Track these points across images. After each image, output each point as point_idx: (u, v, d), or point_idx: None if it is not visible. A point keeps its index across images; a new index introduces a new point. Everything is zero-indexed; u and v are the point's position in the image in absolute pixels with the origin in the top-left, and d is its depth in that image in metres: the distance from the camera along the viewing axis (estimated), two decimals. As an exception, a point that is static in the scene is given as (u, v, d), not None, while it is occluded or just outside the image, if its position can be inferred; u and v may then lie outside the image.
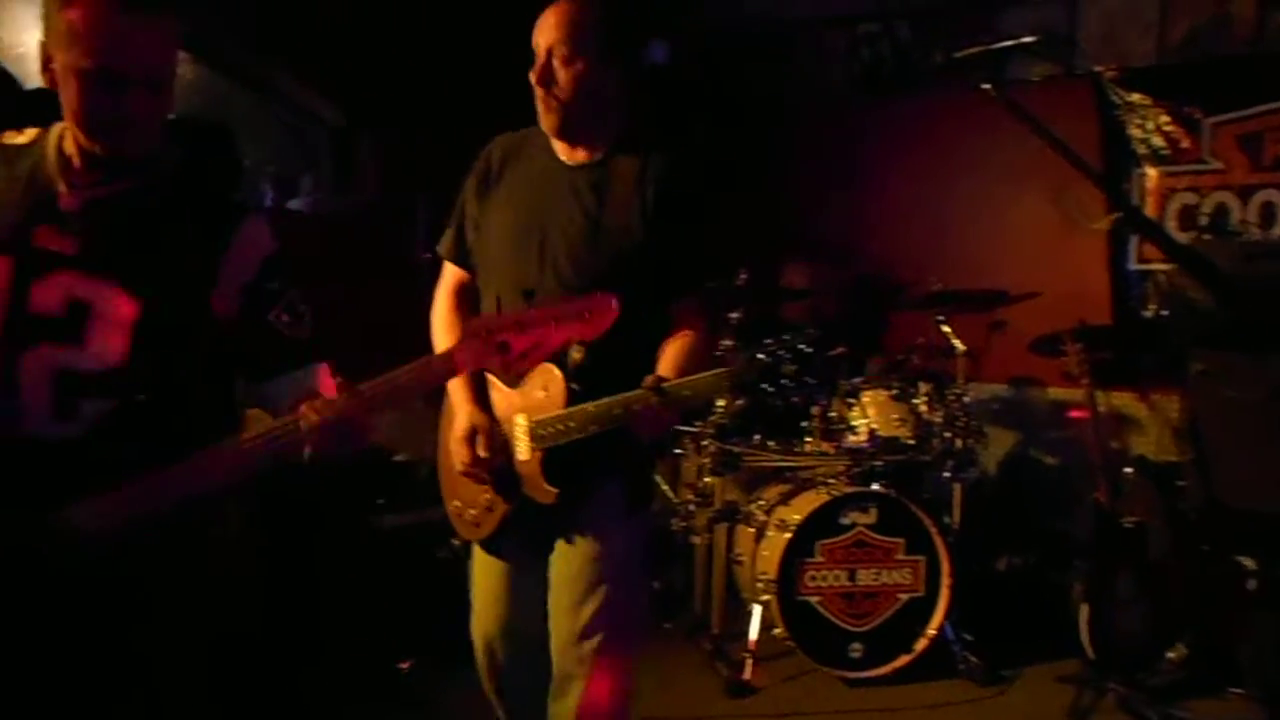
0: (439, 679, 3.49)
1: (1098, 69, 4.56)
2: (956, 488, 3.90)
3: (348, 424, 1.61)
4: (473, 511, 2.27)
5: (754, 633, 3.63)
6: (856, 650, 3.62)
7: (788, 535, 3.59)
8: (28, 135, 1.73)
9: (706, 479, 3.96)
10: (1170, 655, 3.49)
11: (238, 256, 1.70)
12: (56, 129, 1.70)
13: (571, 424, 2.05)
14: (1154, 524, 3.63)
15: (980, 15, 4.80)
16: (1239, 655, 3.37)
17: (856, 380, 3.98)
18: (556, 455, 2.10)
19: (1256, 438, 3.23)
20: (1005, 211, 4.86)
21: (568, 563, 2.20)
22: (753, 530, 3.81)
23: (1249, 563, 3.39)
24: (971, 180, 4.90)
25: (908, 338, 4.26)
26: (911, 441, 3.83)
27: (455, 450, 2.17)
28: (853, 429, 3.86)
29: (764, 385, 1.98)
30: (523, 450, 2.14)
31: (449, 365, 1.62)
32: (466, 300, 2.32)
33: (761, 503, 3.89)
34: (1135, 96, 4.53)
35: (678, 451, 4.29)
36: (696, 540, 4.04)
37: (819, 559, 3.62)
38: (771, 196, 5.23)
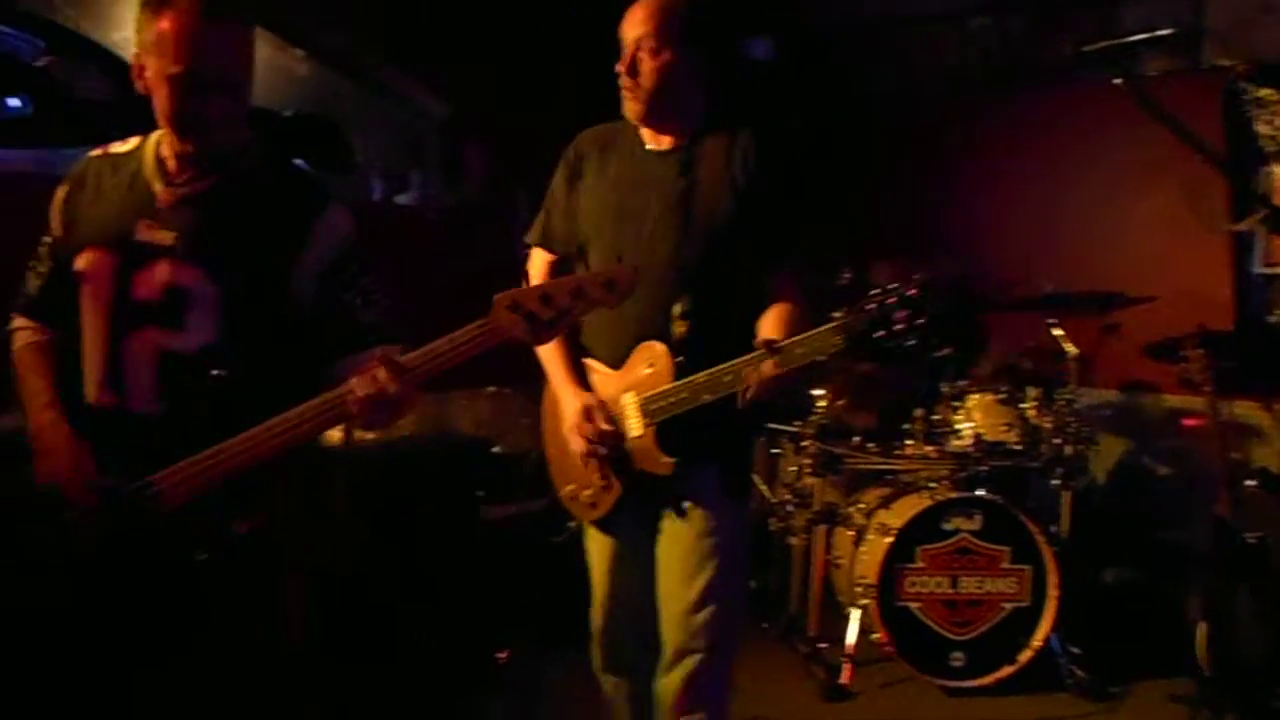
0: (538, 669, 3.53)
1: (1224, 63, 4.36)
2: (1065, 496, 3.78)
3: (390, 396, 1.66)
4: (588, 492, 2.34)
5: (852, 637, 3.58)
6: (958, 659, 3.54)
7: (888, 540, 3.52)
8: (131, 143, 1.87)
9: (805, 480, 3.91)
10: (1294, 678, 3.33)
11: (317, 243, 1.79)
12: (155, 135, 1.83)
13: (683, 395, 2.13)
14: (1277, 540, 3.46)
15: (1099, 8, 4.63)
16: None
17: (961, 383, 3.89)
18: (668, 428, 2.18)
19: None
20: (1120, 211, 4.67)
21: (677, 539, 2.26)
22: (852, 533, 3.76)
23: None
24: (1085, 178, 4.73)
25: (1014, 340, 4.15)
26: (1018, 447, 3.73)
27: (570, 434, 2.26)
28: (957, 433, 3.78)
29: (877, 333, 1.99)
30: (635, 427, 2.22)
31: (482, 335, 1.67)
32: None
33: (861, 505, 3.84)
34: (1264, 91, 4.31)
35: (775, 451, 4.25)
36: (794, 541, 4.00)
37: (920, 565, 3.55)
38: (875, 194, 5.14)
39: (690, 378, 2.13)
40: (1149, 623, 3.91)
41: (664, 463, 2.20)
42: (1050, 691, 3.52)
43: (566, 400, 2.29)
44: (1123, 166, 4.51)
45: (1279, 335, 4.24)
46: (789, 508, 4.02)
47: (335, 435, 2.96)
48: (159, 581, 1.71)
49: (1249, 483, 3.70)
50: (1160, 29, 1.92)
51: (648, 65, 2.19)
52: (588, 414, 2.24)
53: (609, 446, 2.24)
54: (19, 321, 1.94)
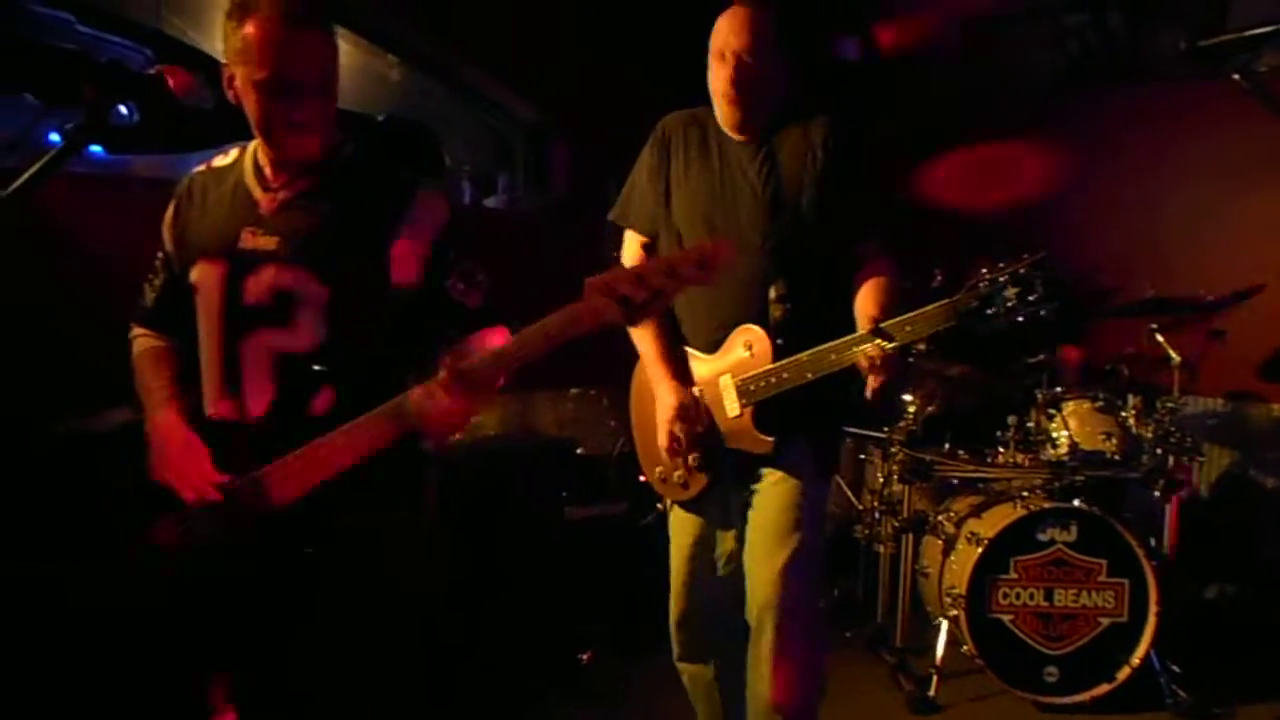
0: (620, 670, 3.53)
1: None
2: (1167, 508, 3.64)
3: (448, 409, 1.68)
4: (679, 473, 2.40)
5: (941, 648, 3.50)
6: (1052, 674, 3.43)
7: (979, 549, 3.43)
8: (230, 155, 1.94)
9: (893, 487, 3.84)
10: None
11: (413, 231, 1.82)
12: (252, 145, 1.89)
13: (785, 375, 2.20)
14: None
15: (1207, 1, 4.45)
16: None
17: (1057, 390, 3.77)
18: (764, 407, 2.26)
19: None
20: (1227, 212, 4.49)
21: (766, 508, 2.32)
22: (941, 542, 3.68)
23: None
24: (1189, 178, 4.56)
25: (1113, 345, 4.01)
26: (1117, 457, 3.60)
27: (663, 427, 2.31)
28: (1053, 441, 3.66)
29: (989, 310, 2.05)
30: (732, 408, 2.29)
31: (575, 320, 1.65)
32: None
33: (951, 514, 3.75)
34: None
35: (862, 457, 4.19)
36: (881, 549, 3.93)
37: (1013, 576, 3.45)
38: (968, 196, 5.03)
39: (793, 357, 2.19)
40: (1254, 641, 3.75)
41: (763, 441, 2.27)
42: (1150, 711, 3.39)
43: (663, 392, 2.35)
44: (1231, 166, 4.34)
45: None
46: (876, 515, 3.95)
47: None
48: (269, 576, 1.76)
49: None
50: (1277, 22, 1.83)
51: (748, 75, 2.25)
52: (683, 411, 2.29)
53: (704, 435, 2.29)
54: (137, 330, 2.02)
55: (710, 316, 2.34)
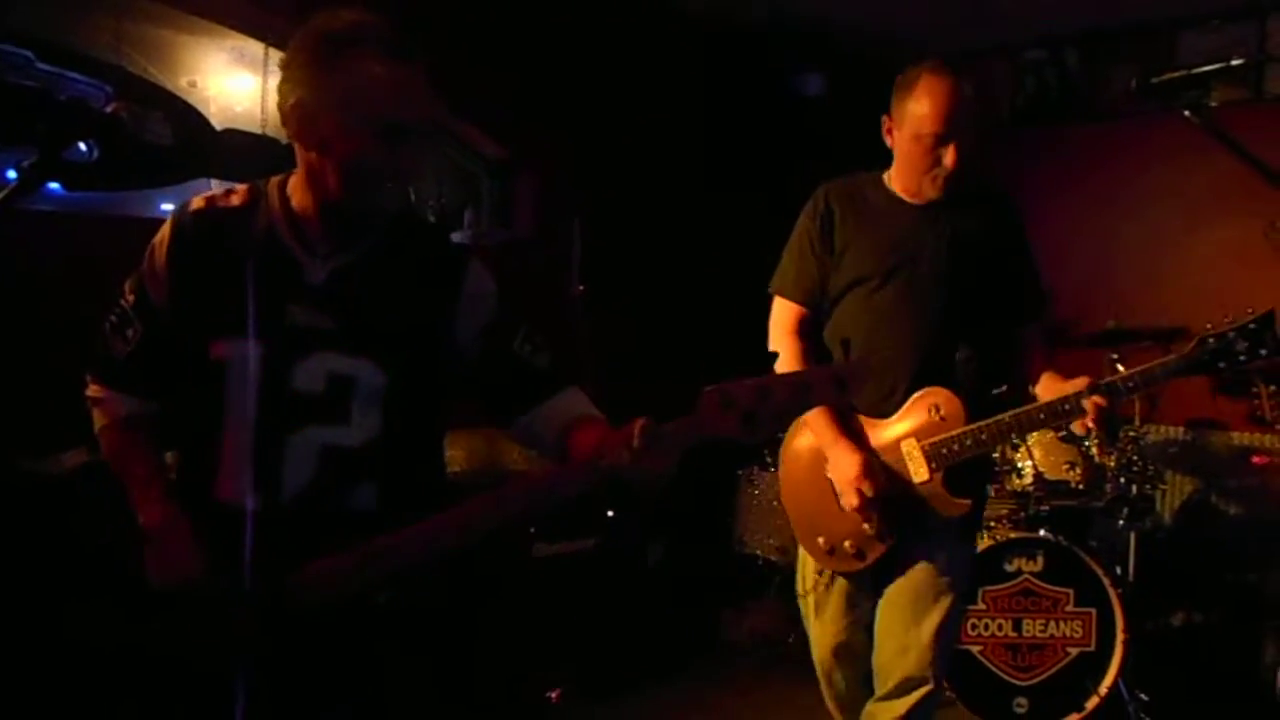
0: (588, 709, 3.49)
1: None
2: (1131, 536, 3.67)
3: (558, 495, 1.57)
4: (849, 543, 2.34)
5: (910, 681, 3.49)
6: (1021, 705, 3.43)
7: (948, 580, 3.44)
8: (238, 194, 1.68)
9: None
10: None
11: (471, 302, 1.66)
12: (273, 188, 1.65)
13: (984, 438, 2.22)
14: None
15: (1156, 39, 4.57)
16: None
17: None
18: (956, 470, 2.25)
19: None
20: (1183, 243, 4.58)
21: (915, 574, 2.32)
22: (909, 573, 3.68)
23: None
24: (1146, 211, 4.65)
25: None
26: (1081, 486, 3.64)
27: (848, 489, 2.25)
28: (1018, 471, 3.69)
29: (1220, 364, 2.17)
30: (920, 472, 2.26)
31: (688, 433, 1.47)
32: (809, 336, 2.43)
33: (919, 545, 3.76)
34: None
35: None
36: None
37: (982, 606, 3.46)
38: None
39: (995, 419, 2.21)
40: (1221, 668, 3.77)
41: (957, 504, 2.26)
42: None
43: (841, 455, 2.28)
44: (1185, 198, 4.44)
45: (1353, 370, 4.09)
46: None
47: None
48: (335, 628, 1.57)
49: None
50: (1225, 59, 1.88)
51: (957, 153, 2.24)
52: (868, 469, 2.24)
53: (888, 499, 2.25)
54: (101, 391, 1.73)
55: (881, 378, 2.30)
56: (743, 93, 5.22)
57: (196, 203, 1.67)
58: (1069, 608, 3.46)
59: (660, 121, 4.74)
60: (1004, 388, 2.50)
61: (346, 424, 1.58)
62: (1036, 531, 3.50)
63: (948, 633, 2.33)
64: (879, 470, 2.26)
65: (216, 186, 1.78)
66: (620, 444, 1.45)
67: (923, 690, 2.31)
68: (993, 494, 3.68)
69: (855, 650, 2.47)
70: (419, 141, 1.56)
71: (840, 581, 2.42)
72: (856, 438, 2.31)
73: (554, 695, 3.54)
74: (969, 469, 2.27)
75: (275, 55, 3.49)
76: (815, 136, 5.10)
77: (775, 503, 4.26)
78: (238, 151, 2.89)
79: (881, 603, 2.37)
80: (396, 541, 1.53)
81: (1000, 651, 3.45)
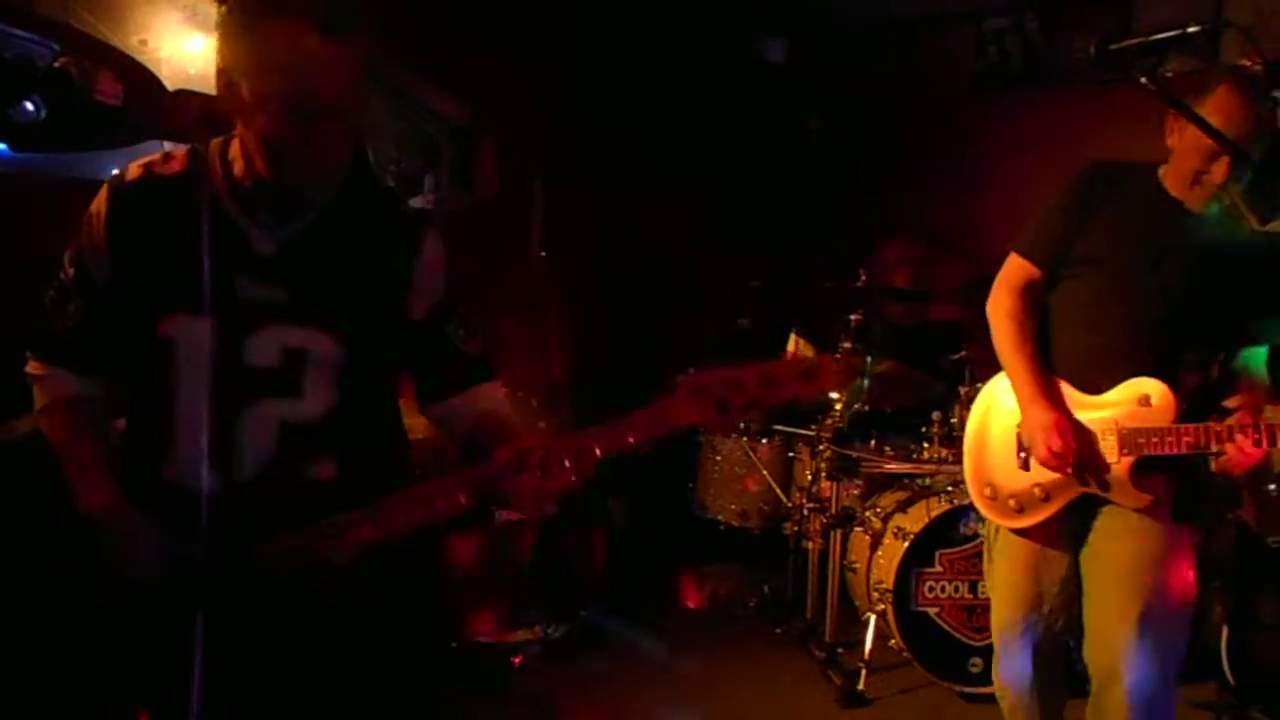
0: (549, 674, 3.52)
1: (1244, 63, 4.31)
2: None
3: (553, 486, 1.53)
4: (1013, 500, 2.39)
5: (869, 642, 3.55)
6: (976, 665, 3.50)
7: (905, 544, 3.50)
8: (177, 160, 1.60)
9: (822, 483, 3.89)
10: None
11: (426, 272, 1.62)
12: (214, 153, 1.58)
13: (1186, 439, 2.16)
14: (1301, 545, 3.41)
15: (1116, 8, 4.59)
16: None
17: (978, 385, 3.83)
18: (1145, 463, 2.22)
19: None
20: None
21: (1114, 560, 2.30)
22: (869, 537, 3.73)
23: None
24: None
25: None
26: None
27: (1042, 438, 2.26)
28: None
29: None
30: (1110, 453, 2.25)
31: (659, 420, 1.52)
32: (1033, 300, 2.42)
33: (878, 509, 3.81)
34: (1285, 91, 4.27)
35: (791, 455, 4.23)
36: (810, 545, 3.97)
37: (938, 569, 3.52)
38: (891, 196, 5.12)
39: (1203, 424, 2.16)
40: (1185, 647, 3.85)
41: (1139, 497, 2.24)
42: (1071, 698, 3.47)
43: (1036, 410, 2.30)
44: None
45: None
46: (805, 512, 3.99)
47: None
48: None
49: (1271, 487, 3.66)
50: (1183, 27, 1.90)
51: (1227, 169, 2.21)
52: (1062, 428, 2.25)
53: (1078, 460, 2.25)
54: (43, 368, 1.66)
55: (1098, 357, 2.32)
56: (707, 58, 5.19)
57: (134, 170, 1.59)
58: (1023, 570, 3.52)
59: (624, 85, 4.71)
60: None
61: (302, 397, 1.55)
62: (993, 495, 3.55)
63: (1156, 623, 2.25)
64: (1073, 433, 2.26)
65: (170, 148, 1.71)
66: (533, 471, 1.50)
67: (1126, 687, 2.26)
68: (950, 458, 3.72)
69: (1026, 612, 2.46)
70: (339, 123, 1.47)
71: (1007, 535, 2.46)
72: (1057, 401, 2.32)
73: (516, 660, 3.56)
74: (1161, 465, 2.22)
75: (230, 15, 3.41)
76: (778, 102, 5.09)
77: (738, 469, 4.29)
78: (191, 114, 2.83)
79: (1088, 591, 2.37)
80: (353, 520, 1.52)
81: (956, 613, 3.51)
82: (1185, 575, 2.29)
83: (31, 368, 1.67)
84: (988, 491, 2.47)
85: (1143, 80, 1.76)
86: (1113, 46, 1.86)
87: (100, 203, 1.59)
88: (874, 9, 5.35)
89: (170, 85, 3.09)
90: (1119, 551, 2.29)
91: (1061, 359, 2.38)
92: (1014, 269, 2.47)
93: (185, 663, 1.46)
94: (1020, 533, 2.43)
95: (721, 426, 1.51)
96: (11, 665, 1.69)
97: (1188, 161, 2.27)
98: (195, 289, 1.49)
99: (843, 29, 5.44)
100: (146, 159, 1.62)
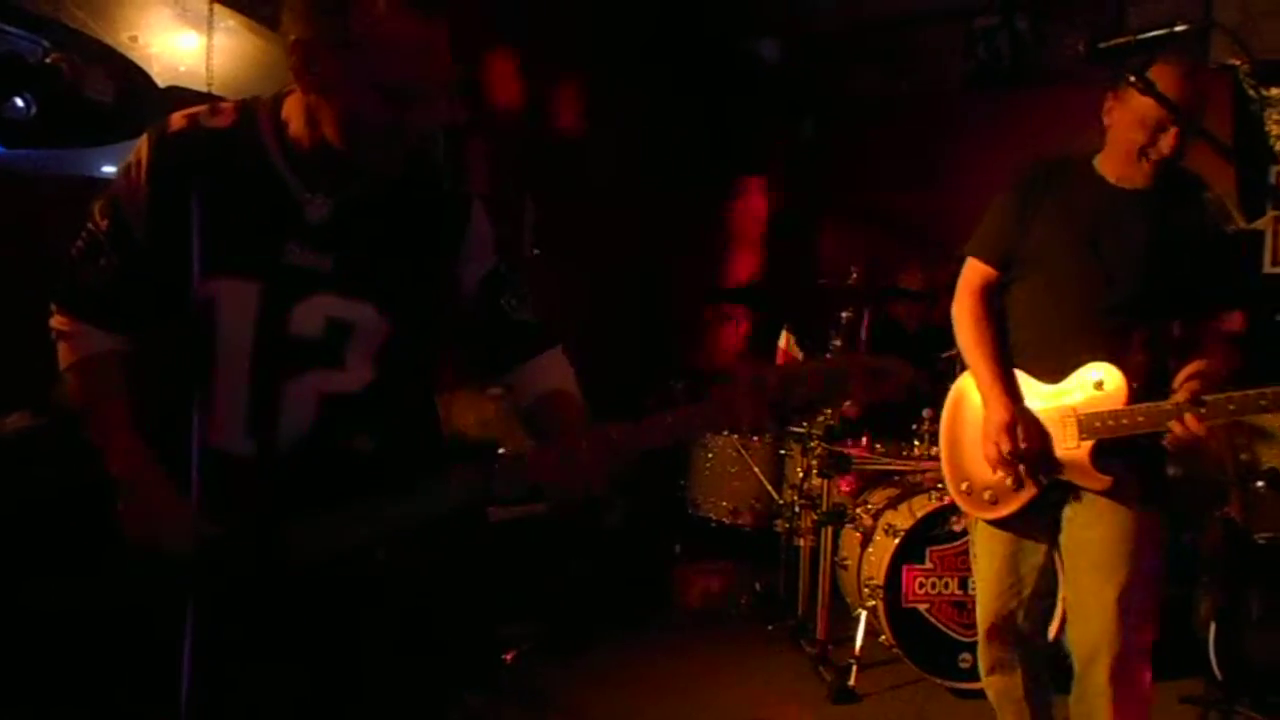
0: (543, 670, 3.52)
1: (1234, 62, 4.34)
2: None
3: (592, 467, 1.53)
4: (989, 492, 2.43)
5: (860, 639, 3.57)
6: (966, 661, 3.51)
7: (896, 540, 3.51)
8: (227, 114, 1.52)
9: (813, 481, 3.90)
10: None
11: (476, 248, 1.59)
12: (264, 109, 1.51)
13: (1140, 419, 2.22)
14: (1289, 541, 3.44)
15: (1106, 7, 4.61)
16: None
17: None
18: (1105, 445, 2.27)
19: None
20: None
21: (1089, 544, 2.35)
22: (859, 534, 3.74)
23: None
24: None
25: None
26: (1026, 447, 3.71)
27: (993, 438, 2.32)
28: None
29: None
30: (1070, 439, 2.30)
31: (713, 417, 1.52)
32: (992, 299, 2.48)
33: (869, 506, 3.82)
34: (1274, 91, 4.30)
35: (782, 453, 4.24)
36: (800, 542, 3.98)
37: (928, 565, 3.53)
38: (884, 195, 5.13)
39: (1152, 404, 2.21)
40: (1158, 623, 3.88)
41: (1100, 479, 2.28)
42: (1059, 693, 3.48)
43: (993, 406, 2.35)
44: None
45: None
46: (796, 509, 4.00)
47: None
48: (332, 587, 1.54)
49: (1258, 484, 3.68)
50: (1173, 26, 1.91)
51: (1175, 140, 2.21)
52: (1011, 427, 2.29)
53: (1027, 459, 2.30)
54: (72, 323, 1.58)
55: (1056, 345, 2.36)
56: (699, 59, 5.20)
57: (178, 121, 1.51)
58: (1013, 566, 3.53)
59: (615, 85, 4.71)
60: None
61: (344, 369, 1.51)
62: (983, 492, 3.56)
63: (1133, 603, 2.30)
64: (1027, 428, 2.31)
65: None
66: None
67: (1107, 663, 2.32)
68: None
69: (1008, 599, 2.50)
70: (430, 105, 1.43)
71: (984, 526, 2.49)
72: (1015, 392, 2.37)
73: (509, 656, 3.56)
74: (1121, 445, 2.27)
75: (221, 12, 3.41)
76: (771, 102, 5.10)
77: (730, 467, 4.30)
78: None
79: (1066, 575, 2.43)
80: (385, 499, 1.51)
81: (946, 609, 3.53)
82: (1154, 558, 2.34)
83: (57, 322, 1.59)
84: (964, 486, 2.51)
85: (1131, 79, 1.77)
86: (1102, 45, 1.89)
87: (142, 152, 1.51)
88: (861, 7, 5.37)
89: (161, 82, 3.09)
90: (1092, 539, 2.34)
91: (1021, 353, 2.44)
92: (970, 271, 2.53)
93: (176, 652, 1.45)
94: (998, 524, 2.47)
95: (773, 426, 1.43)
96: (10, 665, 1.70)
97: (1129, 137, 2.27)
98: (240, 250, 1.46)
99: (837, 28, 5.45)
100: (192, 109, 1.54)
